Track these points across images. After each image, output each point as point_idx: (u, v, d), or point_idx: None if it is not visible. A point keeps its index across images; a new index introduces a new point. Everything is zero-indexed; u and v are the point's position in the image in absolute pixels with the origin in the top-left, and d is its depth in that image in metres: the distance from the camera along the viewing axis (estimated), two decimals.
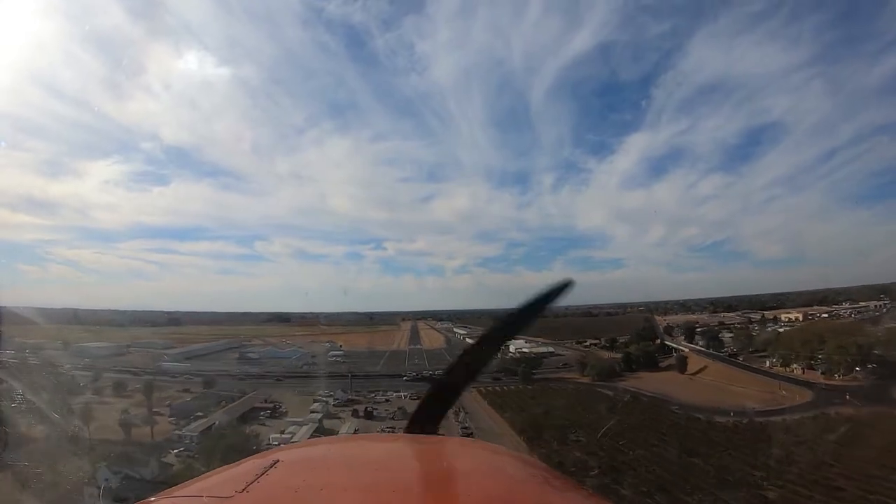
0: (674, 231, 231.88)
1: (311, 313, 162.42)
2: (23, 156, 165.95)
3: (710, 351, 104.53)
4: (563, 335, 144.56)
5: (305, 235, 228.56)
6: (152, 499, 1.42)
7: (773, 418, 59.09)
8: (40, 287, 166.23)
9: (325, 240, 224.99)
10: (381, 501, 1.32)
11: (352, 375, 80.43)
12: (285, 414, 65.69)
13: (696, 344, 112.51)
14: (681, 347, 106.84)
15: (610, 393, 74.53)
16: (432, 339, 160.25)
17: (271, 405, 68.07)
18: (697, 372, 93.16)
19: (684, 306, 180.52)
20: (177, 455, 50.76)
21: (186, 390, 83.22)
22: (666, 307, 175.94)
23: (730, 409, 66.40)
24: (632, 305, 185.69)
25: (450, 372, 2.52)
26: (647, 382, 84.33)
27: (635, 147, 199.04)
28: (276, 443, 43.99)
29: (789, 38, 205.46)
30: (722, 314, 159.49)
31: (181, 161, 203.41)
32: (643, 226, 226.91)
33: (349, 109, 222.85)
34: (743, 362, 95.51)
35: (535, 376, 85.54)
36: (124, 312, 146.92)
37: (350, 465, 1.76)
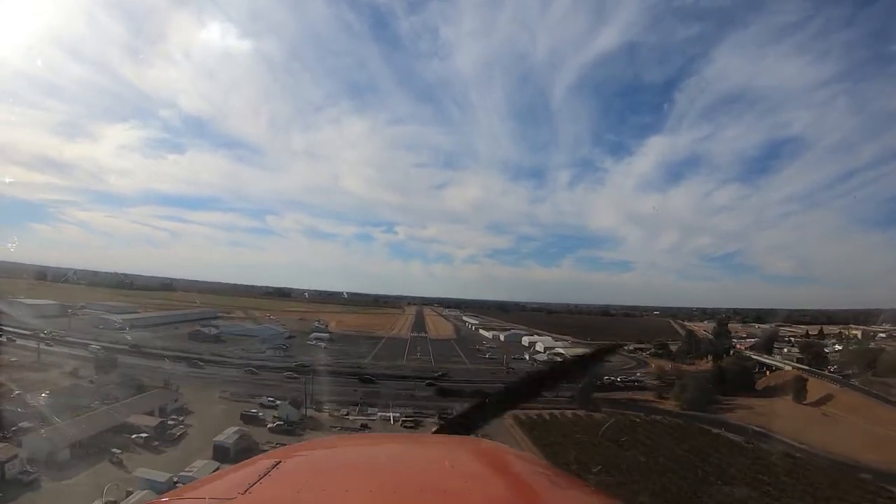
0: (686, 239, 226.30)
1: (314, 290, 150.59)
2: (40, 115, 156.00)
3: (816, 370, 72.83)
4: (592, 335, 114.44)
5: (317, 213, 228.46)
6: (155, 500, 1.39)
7: None
8: (50, 246, 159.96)
9: (337, 219, 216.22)
10: (384, 503, 1.27)
11: (314, 374, 49.19)
12: (177, 441, 34.86)
13: (774, 357, 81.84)
14: (782, 365, 75.06)
15: (738, 439, 42.89)
16: (439, 326, 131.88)
17: (160, 422, 36.94)
18: (821, 402, 61.47)
19: (706, 313, 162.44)
20: None
21: (73, 373, 53.12)
22: (682, 314, 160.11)
23: None
24: (643, 309, 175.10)
25: (507, 390, 2.41)
26: (766, 416, 52.41)
27: (654, 150, 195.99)
28: None
29: (817, 53, 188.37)
30: (757, 326, 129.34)
31: (198, 131, 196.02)
32: (655, 231, 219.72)
33: (368, 91, 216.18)
34: (877, 392, 63.74)
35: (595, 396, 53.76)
36: (116, 275, 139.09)
37: (353, 467, 1.66)
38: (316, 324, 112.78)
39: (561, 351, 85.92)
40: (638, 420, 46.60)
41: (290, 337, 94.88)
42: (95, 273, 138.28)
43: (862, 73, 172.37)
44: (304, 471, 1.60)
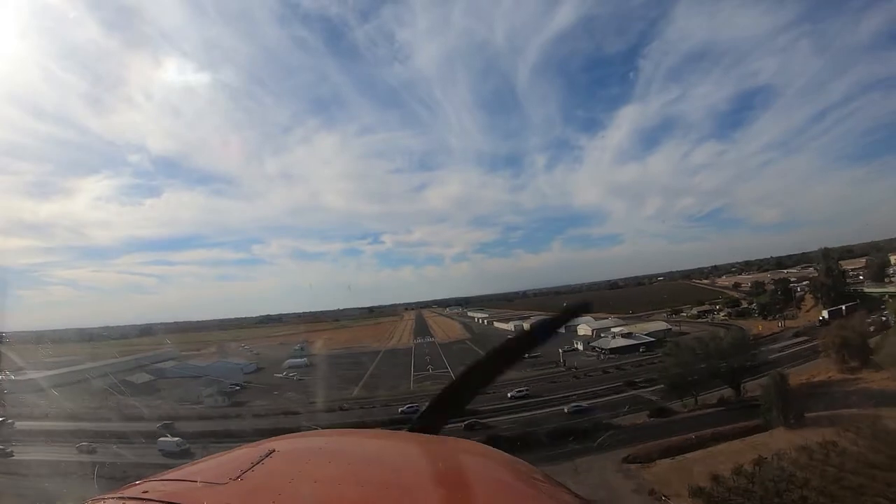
0: (670, 202, 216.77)
1: (308, 312, 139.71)
2: (10, 179, 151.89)
3: None
4: (625, 308, 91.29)
5: (301, 235, 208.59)
6: (138, 483, 1.37)
7: None
8: (41, 309, 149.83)
9: (321, 237, 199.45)
10: (374, 497, 1.29)
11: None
12: None
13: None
14: None
15: None
16: (446, 327, 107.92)
17: None
18: None
19: (717, 269, 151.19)
20: None
21: None
22: (695, 274, 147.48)
23: None
24: (643, 278, 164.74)
25: (465, 374, 2.20)
26: None
27: (626, 120, 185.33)
28: None
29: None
30: (784, 271, 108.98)
31: (170, 171, 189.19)
32: (640, 199, 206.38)
33: (333, 104, 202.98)
34: None
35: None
36: (90, 329, 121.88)
37: (346, 459, 1.66)
38: (295, 347, 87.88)
39: (623, 330, 61.21)
40: None
41: (255, 371, 69.18)
42: (82, 330, 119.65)
43: (820, 13, 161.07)
44: (298, 460, 1.56)
